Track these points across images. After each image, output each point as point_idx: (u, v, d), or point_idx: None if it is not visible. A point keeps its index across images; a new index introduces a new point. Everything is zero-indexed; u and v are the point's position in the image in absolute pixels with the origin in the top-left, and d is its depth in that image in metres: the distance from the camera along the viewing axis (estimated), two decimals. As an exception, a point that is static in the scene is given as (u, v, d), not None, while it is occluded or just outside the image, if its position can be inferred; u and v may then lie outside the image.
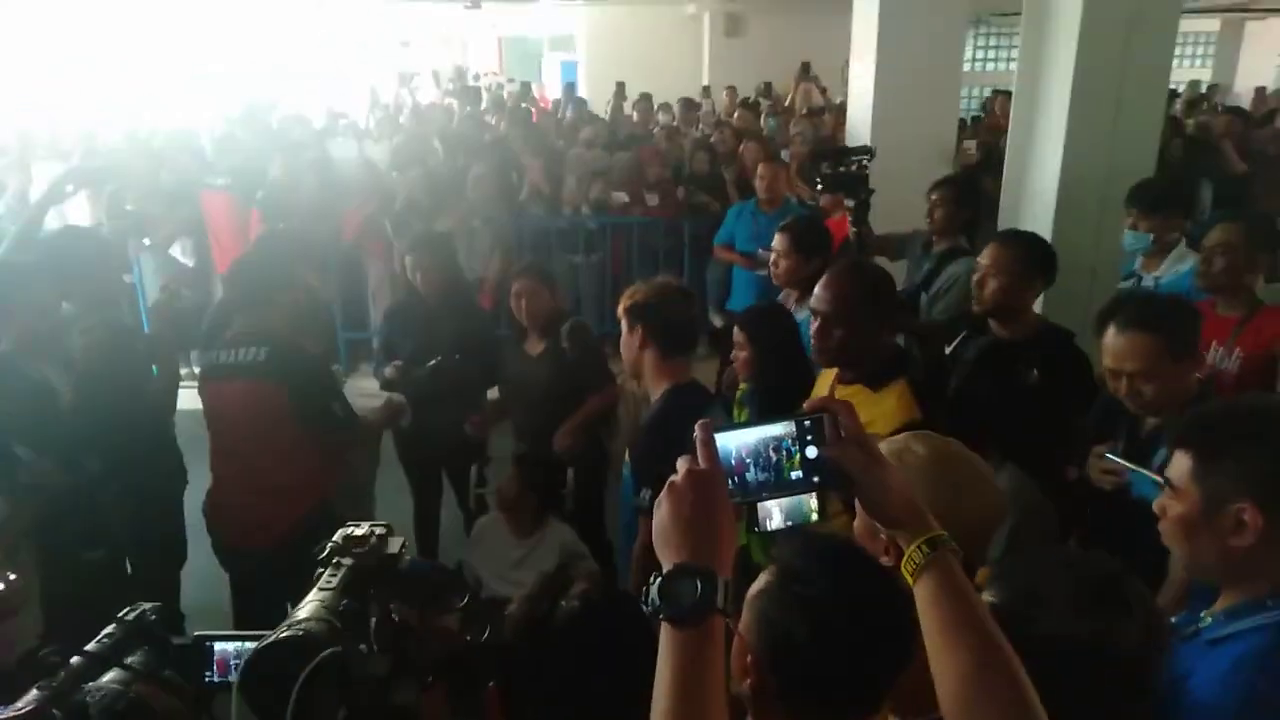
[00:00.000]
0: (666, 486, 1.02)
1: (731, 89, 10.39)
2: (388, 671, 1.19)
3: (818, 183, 4.60)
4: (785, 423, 1.08)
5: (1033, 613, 1.25)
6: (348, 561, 1.19)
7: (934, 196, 4.11)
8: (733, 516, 1.03)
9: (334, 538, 1.25)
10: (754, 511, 1.21)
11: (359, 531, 1.27)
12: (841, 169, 4.21)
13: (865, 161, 4.48)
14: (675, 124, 8.62)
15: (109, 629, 1.37)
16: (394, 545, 1.29)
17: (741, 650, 1.17)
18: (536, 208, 6.80)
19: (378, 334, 4.30)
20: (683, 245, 6.84)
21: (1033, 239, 3.12)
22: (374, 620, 1.22)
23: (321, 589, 1.13)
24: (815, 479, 1.08)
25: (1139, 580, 1.33)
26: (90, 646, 1.32)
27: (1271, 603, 1.44)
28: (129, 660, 1.35)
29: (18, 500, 2.55)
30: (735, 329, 3.14)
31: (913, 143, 5.66)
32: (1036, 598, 1.28)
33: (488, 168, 6.47)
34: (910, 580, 1.05)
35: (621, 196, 6.61)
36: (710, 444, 1.04)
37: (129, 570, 3.33)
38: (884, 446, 1.52)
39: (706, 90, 11.22)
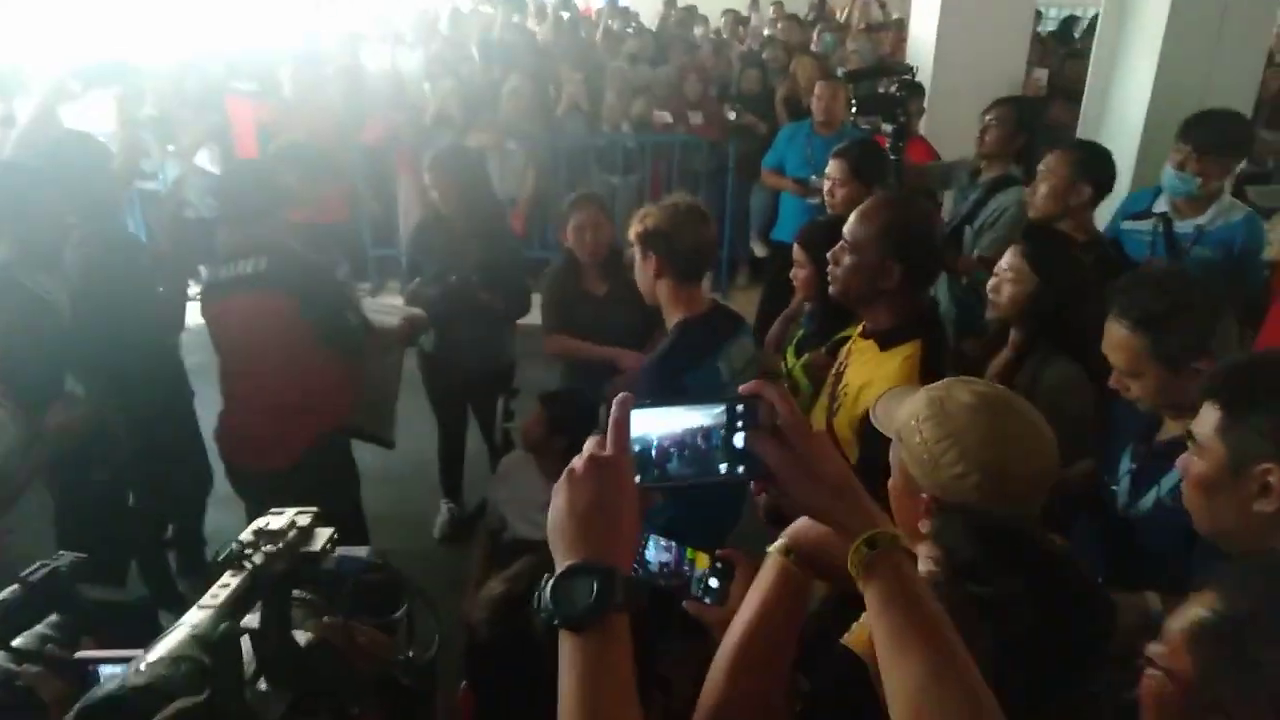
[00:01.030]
0: (565, 473, 0.93)
1: (779, 3, 9.78)
2: (286, 711, 0.94)
3: (852, 105, 4.30)
4: (717, 407, 0.96)
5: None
6: (251, 565, 0.97)
7: (988, 117, 3.80)
8: (636, 510, 0.92)
9: (243, 533, 1.03)
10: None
11: (276, 524, 1.05)
12: (880, 90, 3.93)
13: (909, 79, 4.17)
14: (722, 38, 8.14)
15: (8, 591, 1.18)
16: (318, 539, 1.07)
17: None
18: (574, 124, 6.46)
19: (405, 252, 4.06)
20: (726, 168, 6.50)
21: (1085, 143, 3.01)
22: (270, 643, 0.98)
23: (202, 606, 0.89)
24: (739, 469, 0.96)
25: None
26: None
27: None
28: (34, 630, 1.18)
29: (40, 437, 2.42)
30: (795, 246, 2.95)
31: (978, 66, 5.25)
32: None
33: (525, 80, 6.13)
34: (857, 582, 0.93)
35: (665, 116, 6.26)
36: (622, 426, 0.94)
37: (131, 496, 3.23)
38: (924, 392, 1.42)
39: (755, 2, 10.59)
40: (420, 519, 4.01)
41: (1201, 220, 3.10)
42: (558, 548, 0.91)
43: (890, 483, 1.46)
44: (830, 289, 2.23)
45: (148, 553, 3.36)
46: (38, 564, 1.23)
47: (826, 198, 3.49)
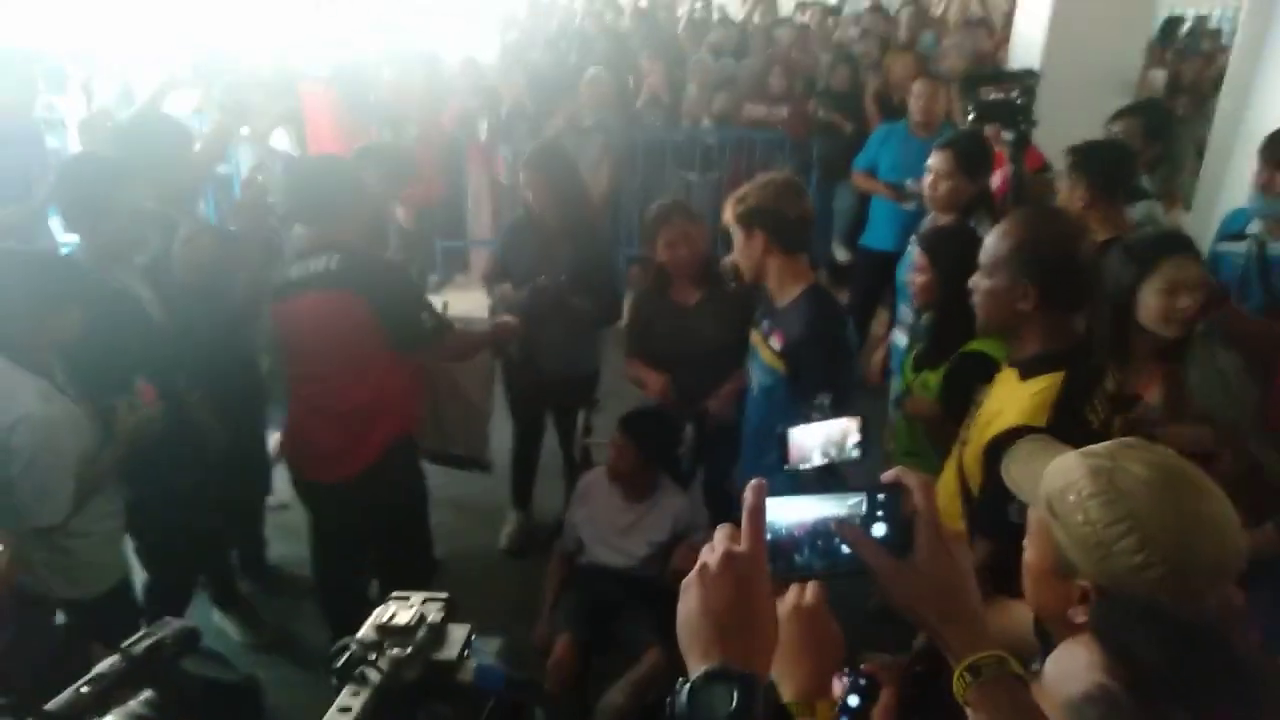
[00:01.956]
0: (697, 569, 0.86)
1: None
2: None
3: (969, 111, 4.06)
4: (855, 496, 0.93)
5: None
6: (374, 675, 0.78)
7: (1114, 128, 3.55)
8: (774, 610, 0.87)
9: (364, 628, 0.85)
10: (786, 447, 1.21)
11: (402, 616, 0.86)
12: (1000, 96, 3.70)
13: (1030, 86, 3.92)
14: (809, 29, 7.82)
15: (107, 663, 1.03)
16: (453, 642, 0.87)
17: None
18: (653, 117, 6.24)
19: (493, 249, 3.87)
20: (809, 167, 6.22)
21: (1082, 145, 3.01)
22: None
23: None
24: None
25: None
26: (64, 699, 0.98)
27: None
28: (127, 708, 1.00)
29: (113, 439, 2.32)
30: (917, 249, 2.86)
31: (1091, 66, 4.90)
32: None
33: (603, 69, 5.93)
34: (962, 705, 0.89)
35: (756, 109, 5.99)
36: (759, 517, 0.87)
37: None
38: (1082, 461, 1.20)
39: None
40: (486, 527, 3.85)
41: None
42: (692, 650, 0.84)
43: (1030, 559, 1.26)
44: (977, 321, 2.05)
45: (216, 554, 3.26)
46: (141, 632, 1.08)
47: (928, 191, 3.29)
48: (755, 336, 2.66)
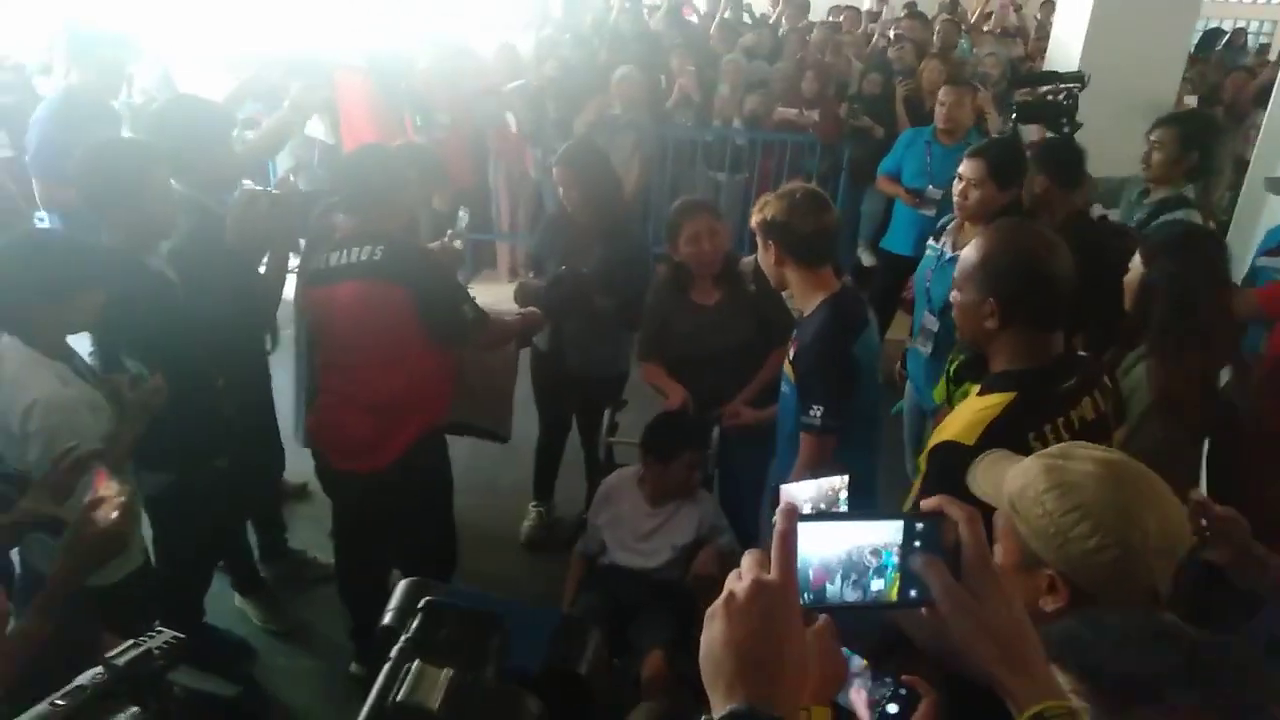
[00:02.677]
0: (723, 598, 0.80)
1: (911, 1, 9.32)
2: None
3: (1012, 112, 4.04)
4: (892, 523, 0.87)
5: None
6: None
7: (1154, 137, 3.47)
8: (804, 644, 0.80)
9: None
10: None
11: None
12: (1047, 97, 3.70)
13: (1076, 90, 3.90)
14: (842, 31, 7.78)
15: (89, 674, 1.01)
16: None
17: None
18: (684, 116, 6.23)
19: (532, 247, 3.87)
20: (839, 170, 6.20)
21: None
22: None
23: None
24: (911, 593, 0.87)
25: None
26: (35, 713, 0.97)
27: None
28: None
29: (125, 416, 2.28)
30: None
31: (1130, 74, 4.85)
32: None
33: (635, 68, 5.93)
34: None
35: (788, 111, 5.97)
36: (790, 543, 0.81)
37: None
38: (1036, 461, 1.31)
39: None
40: (506, 520, 3.86)
41: None
42: (715, 686, 0.78)
43: (1000, 558, 1.31)
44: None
45: (233, 536, 3.29)
46: (129, 643, 1.07)
47: (957, 199, 3.22)
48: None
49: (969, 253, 1.89)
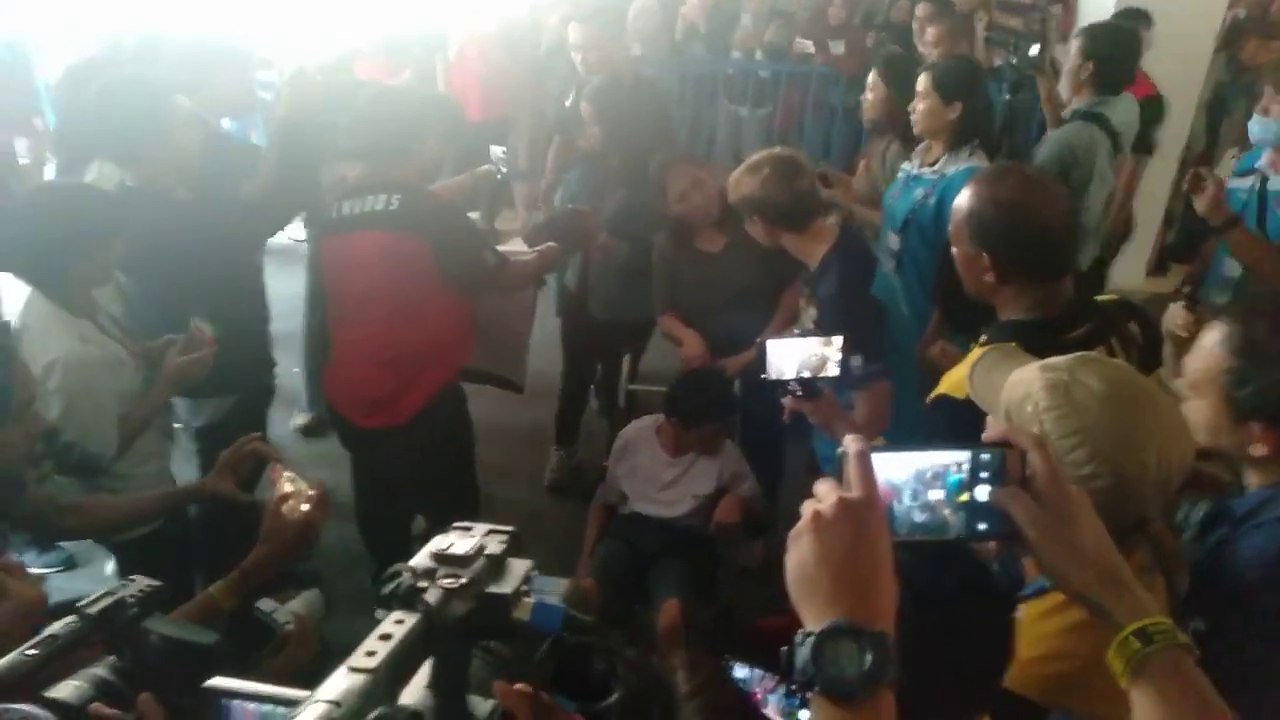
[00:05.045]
0: (810, 518, 0.80)
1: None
2: None
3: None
4: (959, 454, 0.88)
5: None
6: (421, 603, 0.75)
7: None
8: (891, 560, 0.80)
9: (418, 555, 0.81)
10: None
11: (461, 546, 0.82)
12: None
13: (1048, 16, 3.78)
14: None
15: (61, 623, 1.00)
16: (511, 575, 0.83)
17: None
18: (690, 47, 6.01)
19: (556, 179, 3.80)
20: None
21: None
22: None
23: (355, 668, 0.69)
24: (980, 526, 0.87)
25: None
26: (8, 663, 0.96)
27: None
28: (87, 672, 0.98)
29: (157, 381, 2.28)
30: None
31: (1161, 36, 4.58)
32: None
33: (653, -1, 5.71)
34: (1119, 677, 0.83)
35: (806, 45, 5.76)
36: (867, 465, 0.82)
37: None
38: (1041, 373, 1.25)
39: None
40: (530, 467, 3.85)
41: None
42: (810, 603, 0.78)
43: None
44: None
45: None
46: (101, 591, 1.05)
47: (911, 114, 3.14)
48: (804, 299, 2.62)
49: (958, 203, 1.81)
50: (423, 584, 0.79)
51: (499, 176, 3.37)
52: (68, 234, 2.09)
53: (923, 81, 3.07)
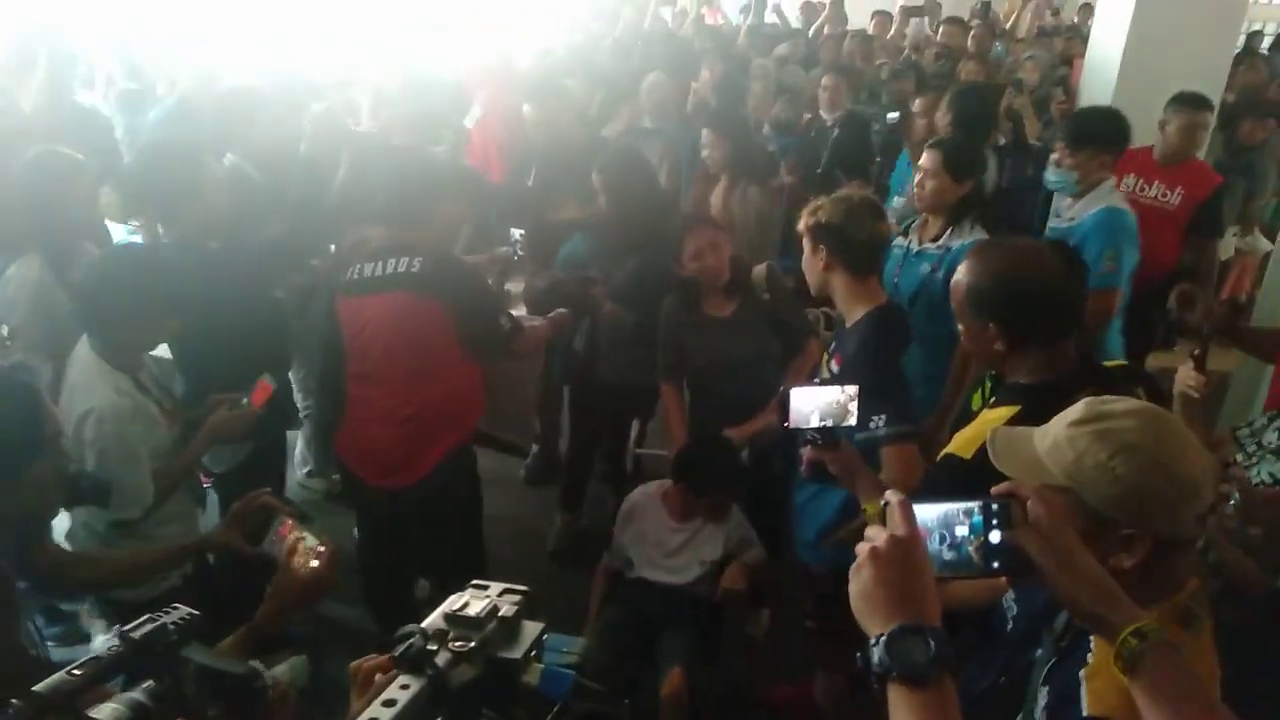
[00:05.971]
0: (869, 553, 1.00)
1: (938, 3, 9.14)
2: None
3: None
4: (970, 504, 1.10)
5: None
6: (429, 668, 0.75)
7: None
8: (934, 580, 1.01)
9: (432, 616, 0.81)
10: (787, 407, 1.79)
11: (475, 606, 0.83)
12: None
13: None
14: (873, 39, 7.68)
15: (103, 645, 1.02)
16: (523, 639, 0.84)
17: None
18: (700, 121, 6.15)
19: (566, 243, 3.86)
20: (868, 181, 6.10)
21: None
22: None
23: None
24: (994, 564, 1.08)
25: None
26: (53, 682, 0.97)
27: None
28: (126, 697, 0.98)
29: (191, 440, 2.32)
30: None
31: (1173, 77, 4.71)
32: None
33: (666, 74, 5.88)
34: (1122, 676, 1.03)
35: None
36: (908, 509, 1.03)
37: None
38: (1082, 429, 1.25)
39: (918, 10, 9.87)
40: (532, 527, 3.82)
41: (1074, 213, 3.34)
42: (873, 618, 0.97)
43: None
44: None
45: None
46: (144, 617, 1.07)
47: (915, 190, 3.22)
48: (824, 355, 2.60)
49: (957, 280, 1.91)
50: (433, 646, 0.79)
51: (514, 259, 3.44)
52: (133, 297, 2.13)
53: (932, 160, 3.12)
